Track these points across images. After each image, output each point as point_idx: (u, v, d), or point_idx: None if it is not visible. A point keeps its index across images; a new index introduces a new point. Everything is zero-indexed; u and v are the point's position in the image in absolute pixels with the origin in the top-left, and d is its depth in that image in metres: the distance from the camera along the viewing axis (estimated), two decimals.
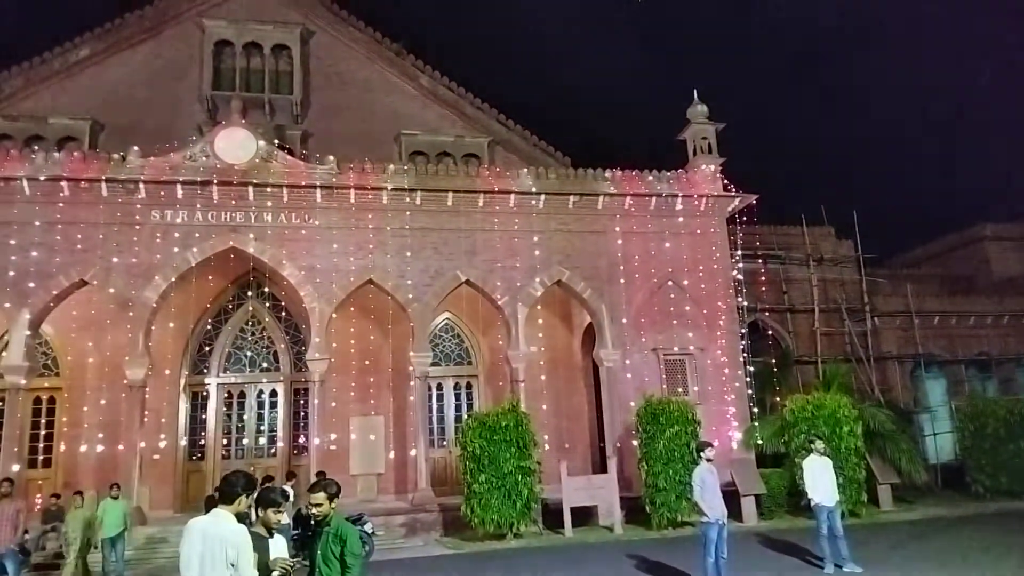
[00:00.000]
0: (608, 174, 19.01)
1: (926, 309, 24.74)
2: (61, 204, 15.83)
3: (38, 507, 15.12)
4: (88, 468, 17.08)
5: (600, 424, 19.32)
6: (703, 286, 18.87)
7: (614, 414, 17.84)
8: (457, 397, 20.21)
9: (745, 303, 19.95)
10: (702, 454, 10.10)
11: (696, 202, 19.20)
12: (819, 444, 11.72)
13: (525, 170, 18.85)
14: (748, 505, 16.00)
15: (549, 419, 18.96)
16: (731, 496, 14.26)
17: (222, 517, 4.80)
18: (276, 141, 18.67)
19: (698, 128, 20.25)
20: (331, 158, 17.52)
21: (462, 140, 22.43)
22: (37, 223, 15.69)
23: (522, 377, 17.61)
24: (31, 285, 15.45)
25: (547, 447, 17.68)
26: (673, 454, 15.28)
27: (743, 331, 19.32)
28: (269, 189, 16.81)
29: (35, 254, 15.57)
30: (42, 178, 15.67)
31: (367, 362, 19.36)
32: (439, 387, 19.92)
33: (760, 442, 17.72)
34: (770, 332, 23.65)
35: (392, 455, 19.00)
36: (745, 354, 19.06)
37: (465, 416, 18.84)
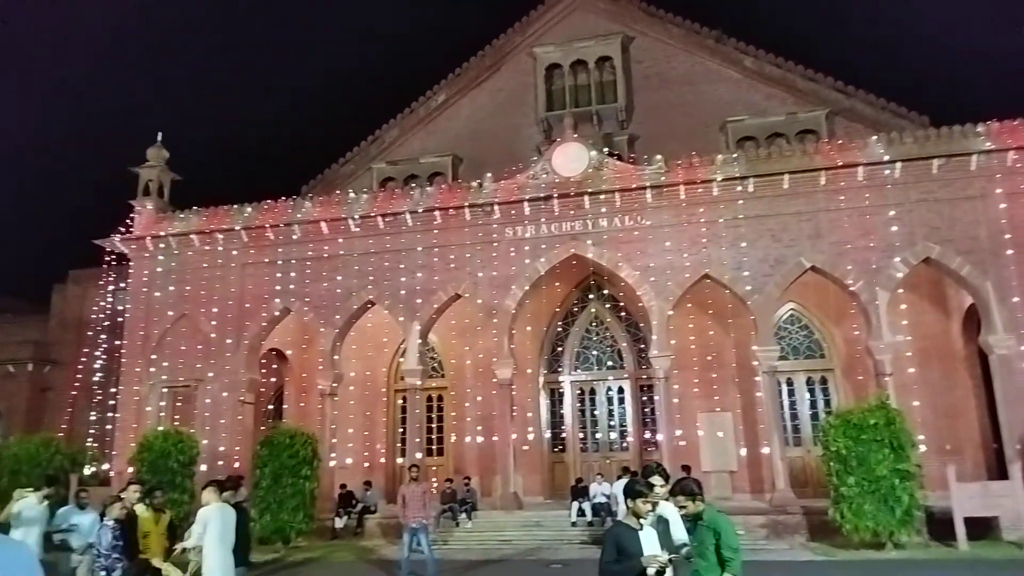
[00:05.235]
0: (981, 128, 16.13)
1: None
2: (436, 231, 18.57)
3: (435, 489, 17.82)
4: (472, 457, 19.69)
5: (993, 422, 16.39)
6: None
7: (1011, 410, 14.99)
8: (811, 393, 18.84)
9: None
10: None
11: None
12: None
13: (874, 138, 16.91)
14: None
15: (925, 416, 16.64)
16: None
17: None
18: (605, 149, 19.48)
19: None
20: (658, 157, 17.72)
21: (795, 117, 20.97)
22: (419, 248, 18.58)
23: (889, 370, 15.78)
24: (418, 301, 18.35)
25: (923, 448, 15.47)
26: None
27: None
28: (602, 196, 17.62)
29: (419, 275, 18.47)
30: (420, 210, 18.54)
31: (709, 358, 19.11)
32: (789, 382, 18.78)
33: None
34: None
35: (744, 453, 18.44)
36: None
37: (822, 413, 17.64)
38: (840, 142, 17.50)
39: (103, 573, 7.34)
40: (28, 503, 9.36)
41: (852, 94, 21.06)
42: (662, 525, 5.87)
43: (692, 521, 5.58)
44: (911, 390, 16.62)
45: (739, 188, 17.02)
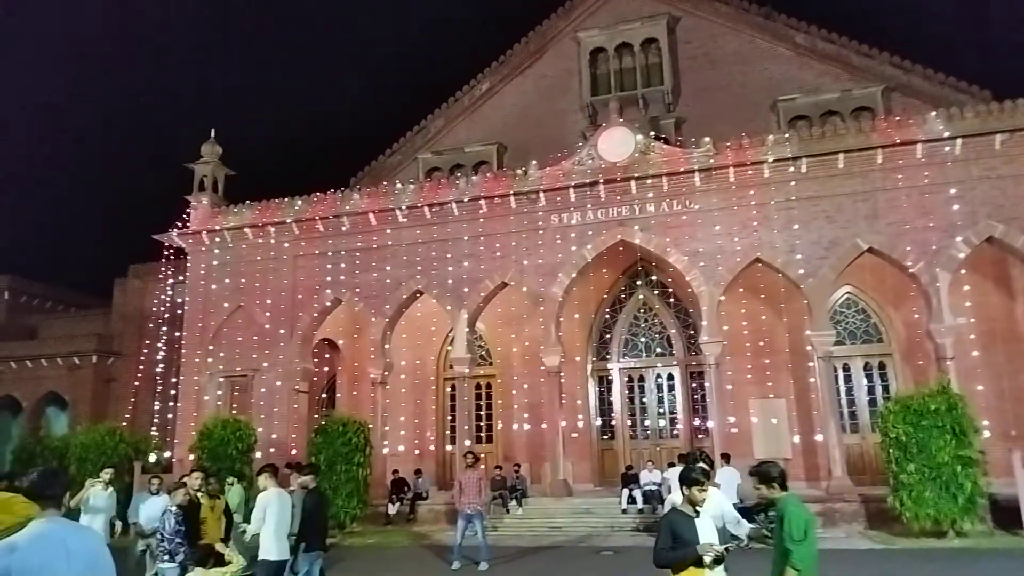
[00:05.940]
0: None
1: None
2: (482, 219, 18.59)
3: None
4: (521, 444, 19.77)
5: None
6: None
7: None
8: (868, 378, 18.34)
9: None
10: None
11: None
12: None
13: (933, 113, 16.28)
14: None
15: (989, 401, 16.06)
16: None
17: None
18: (652, 133, 19.23)
19: None
20: (706, 140, 17.39)
21: (849, 94, 20.33)
22: (465, 238, 18.65)
23: (950, 354, 15.25)
24: (466, 290, 18.44)
25: (987, 434, 14.87)
26: None
27: None
28: (649, 180, 17.38)
29: (466, 264, 18.55)
30: (466, 199, 18.59)
31: (761, 343, 18.74)
32: (845, 368, 18.31)
33: None
34: None
35: (798, 439, 18.07)
36: None
37: (880, 399, 17.18)
38: (897, 119, 16.90)
39: (166, 557, 7.60)
40: (97, 491, 9.98)
41: (909, 69, 20.31)
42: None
43: (768, 507, 5.44)
44: (974, 374, 16.03)
45: (791, 169, 16.59)
